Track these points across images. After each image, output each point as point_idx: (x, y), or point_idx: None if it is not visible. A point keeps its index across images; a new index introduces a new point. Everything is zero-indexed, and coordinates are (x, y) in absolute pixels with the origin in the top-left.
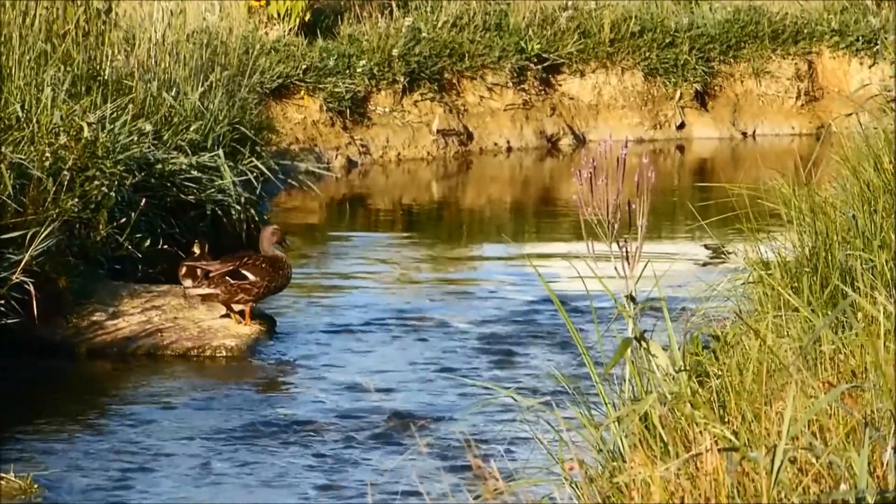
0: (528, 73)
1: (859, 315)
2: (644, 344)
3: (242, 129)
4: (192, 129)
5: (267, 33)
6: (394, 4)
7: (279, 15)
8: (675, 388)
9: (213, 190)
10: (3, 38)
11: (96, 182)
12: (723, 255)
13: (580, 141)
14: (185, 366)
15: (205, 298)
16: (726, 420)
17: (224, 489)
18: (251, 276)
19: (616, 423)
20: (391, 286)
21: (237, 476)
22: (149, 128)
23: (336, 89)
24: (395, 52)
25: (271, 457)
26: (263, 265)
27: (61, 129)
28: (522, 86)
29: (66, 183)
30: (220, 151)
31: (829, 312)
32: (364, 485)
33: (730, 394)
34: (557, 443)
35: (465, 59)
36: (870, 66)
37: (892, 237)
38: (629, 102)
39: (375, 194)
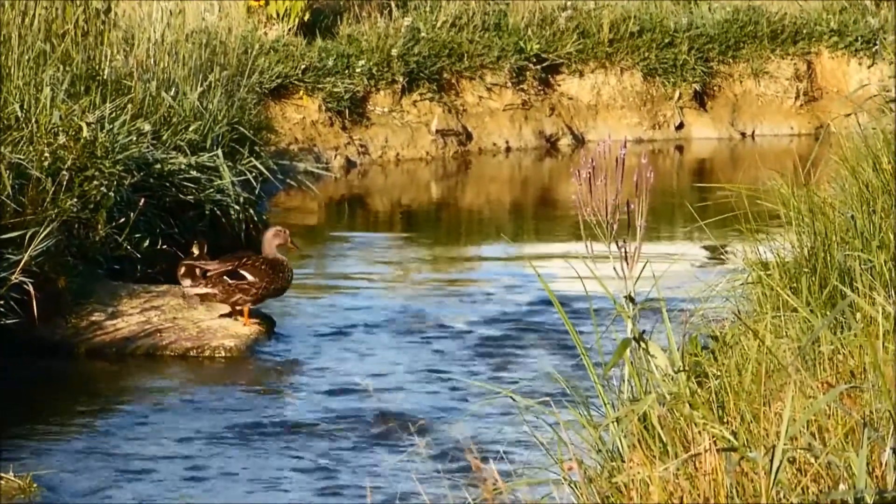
0: (527, 73)
1: (858, 315)
2: (643, 344)
3: (241, 129)
4: (191, 129)
5: (266, 33)
6: (393, 4)
7: (278, 15)
8: (674, 388)
9: (211, 190)
10: (2, 38)
11: (95, 182)
12: (721, 256)
13: (579, 141)
14: (183, 366)
15: (203, 298)
16: (725, 420)
17: (223, 490)
18: (249, 277)
19: (615, 424)
20: (390, 286)
21: (236, 477)
22: (148, 128)
23: (335, 89)
24: (394, 52)
25: (270, 458)
26: (263, 266)
27: (60, 128)
28: (521, 86)
29: (65, 183)
30: (219, 151)
31: (828, 313)
32: (363, 485)
33: (729, 394)
34: (556, 443)
35: (464, 59)
36: (869, 67)
37: (891, 237)
38: (628, 102)
39: (374, 194)
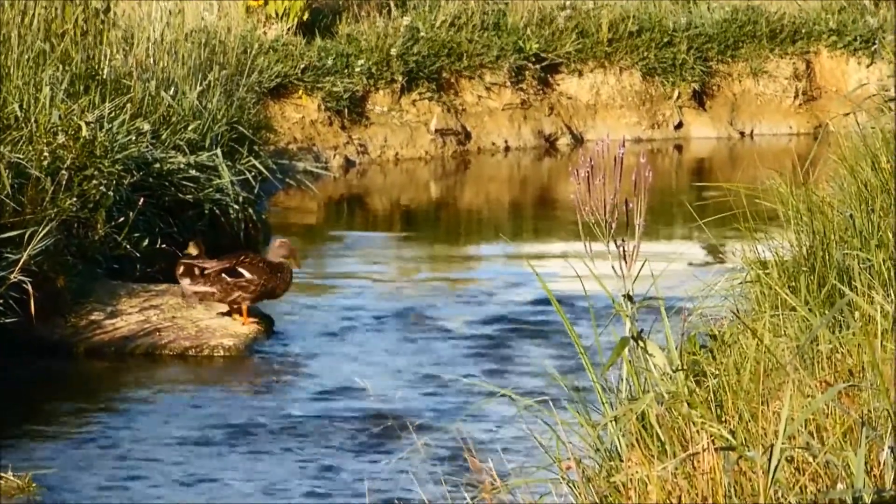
0: (527, 72)
1: (856, 314)
2: (641, 343)
3: (241, 128)
4: (190, 128)
5: (265, 32)
6: (392, 4)
7: (277, 14)
8: (673, 387)
9: (211, 189)
10: (1, 38)
11: (94, 181)
12: (720, 255)
13: (578, 140)
14: (182, 365)
15: (202, 297)
16: (723, 419)
17: (221, 489)
18: (248, 274)
19: (613, 423)
20: (389, 286)
21: (235, 476)
22: (147, 127)
23: (334, 89)
24: (393, 51)
25: (269, 458)
26: (261, 264)
27: (60, 128)
28: (520, 85)
29: (64, 182)
30: (219, 151)
31: (827, 312)
32: (362, 485)
33: (727, 393)
34: (555, 442)
35: (464, 59)
36: (867, 66)
37: (890, 237)
38: (627, 102)
39: (373, 194)
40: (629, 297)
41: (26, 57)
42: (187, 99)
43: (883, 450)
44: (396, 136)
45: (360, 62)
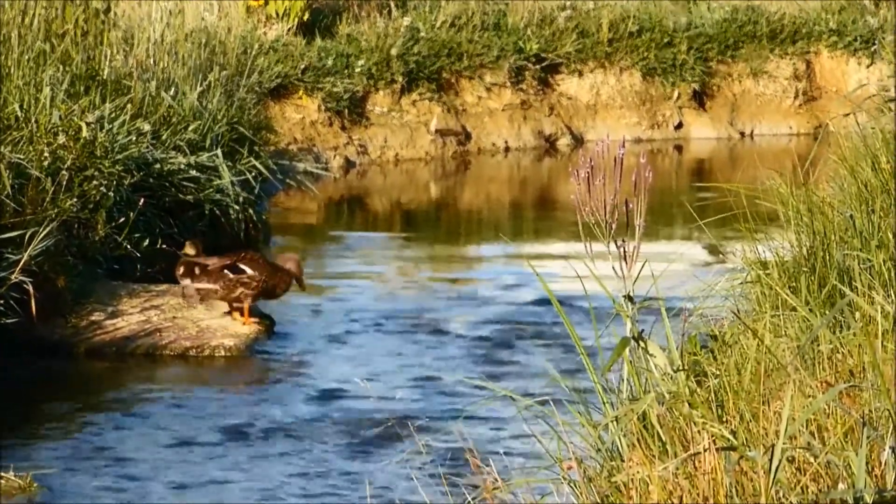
0: (527, 72)
1: (857, 315)
2: (642, 343)
3: (241, 128)
4: (190, 128)
5: (265, 33)
6: (392, 4)
7: (277, 14)
8: (673, 387)
9: (211, 190)
10: (2, 38)
11: (95, 182)
12: (720, 255)
13: (578, 141)
14: (183, 365)
15: (204, 295)
16: (724, 419)
17: (221, 490)
18: (249, 271)
19: (614, 423)
20: (389, 286)
21: (234, 477)
22: (147, 127)
23: (334, 89)
24: (393, 51)
25: (269, 458)
26: (261, 261)
27: (60, 128)
28: (520, 86)
29: (64, 183)
30: (219, 151)
31: (827, 312)
32: (362, 485)
33: (728, 393)
34: (556, 442)
35: (464, 59)
36: (868, 66)
37: (890, 237)
38: (627, 102)
39: (373, 194)
40: (629, 298)
41: (27, 57)
42: (187, 99)
43: (884, 450)
44: (396, 137)
45: (361, 62)
